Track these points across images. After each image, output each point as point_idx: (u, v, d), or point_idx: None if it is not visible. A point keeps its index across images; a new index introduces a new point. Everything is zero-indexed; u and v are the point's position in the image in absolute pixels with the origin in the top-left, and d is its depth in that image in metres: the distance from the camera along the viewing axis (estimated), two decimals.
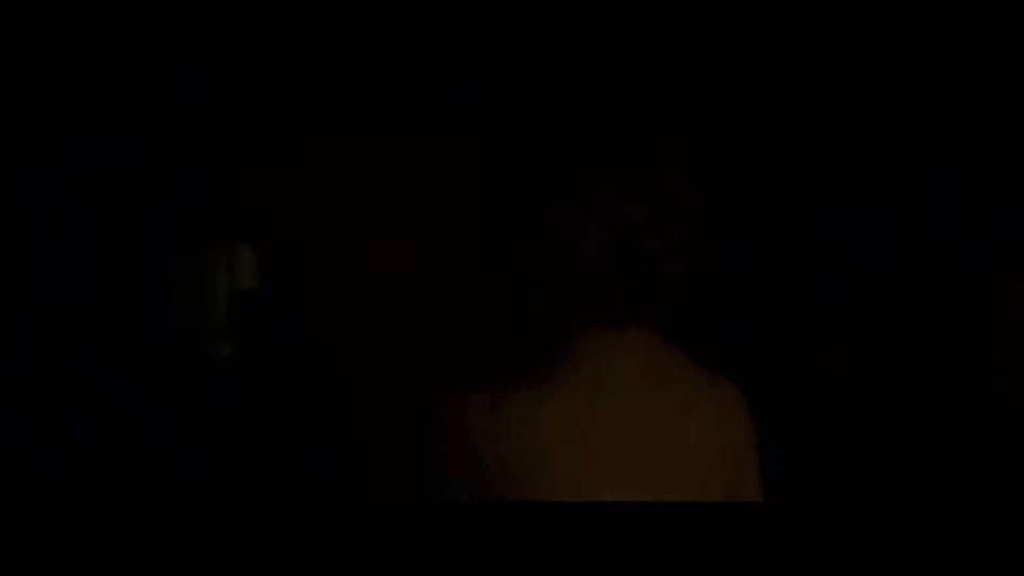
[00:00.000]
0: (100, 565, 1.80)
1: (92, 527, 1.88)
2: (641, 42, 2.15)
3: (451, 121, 2.65)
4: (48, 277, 2.56)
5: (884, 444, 2.36)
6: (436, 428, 1.08)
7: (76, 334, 2.57)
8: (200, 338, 2.66)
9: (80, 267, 2.58)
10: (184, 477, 2.55)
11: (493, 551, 0.96)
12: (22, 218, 2.56)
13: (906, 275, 2.38)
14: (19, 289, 2.54)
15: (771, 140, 2.52)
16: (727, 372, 2.52)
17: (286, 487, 2.56)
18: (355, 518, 1.79)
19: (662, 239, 1.07)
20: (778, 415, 2.43)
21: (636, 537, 1.00)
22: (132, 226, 2.61)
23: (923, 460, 2.30)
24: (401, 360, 2.70)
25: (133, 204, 2.61)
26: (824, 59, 2.15)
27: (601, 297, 1.09)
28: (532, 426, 1.05)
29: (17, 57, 2.17)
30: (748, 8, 2.05)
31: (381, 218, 2.70)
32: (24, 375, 2.53)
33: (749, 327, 2.55)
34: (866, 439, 2.38)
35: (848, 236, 2.46)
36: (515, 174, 1.10)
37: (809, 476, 2.39)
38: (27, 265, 2.55)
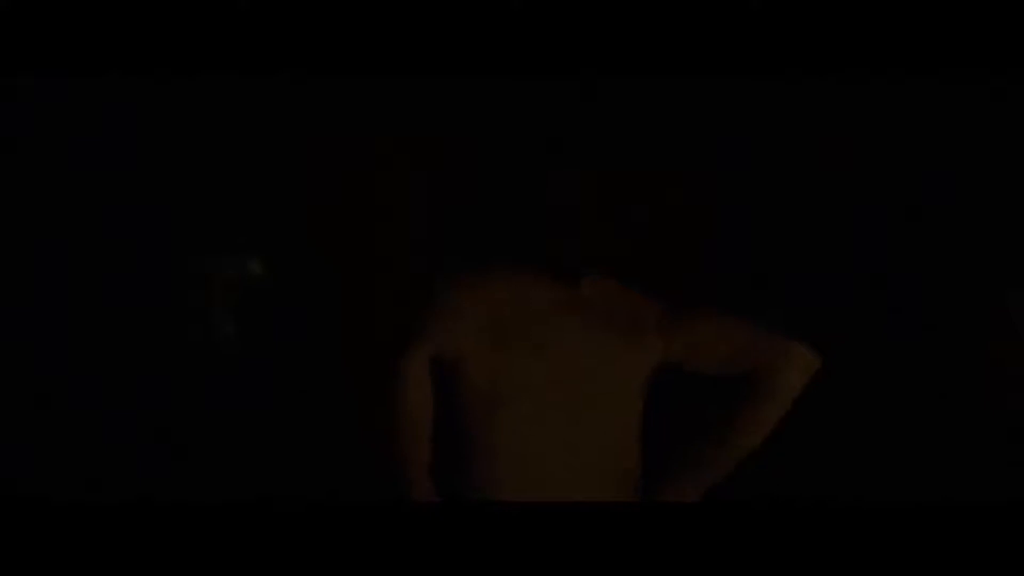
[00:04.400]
0: (99, 565, 1.80)
1: (91, 527, 1.89)
2: (641, 43, 2.15)
3: (451, 121, 2.65)
4: (48, 277, 2.57)
5: (883, 444, 2.36)
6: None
7: (75, 334, 2.57)
8: (200, 338, 2.66)
9: (80, 267, 2.58)
10: (184, 476, 2.55)
11: (493, 551, 0.96)
12: (22, 218, 2.56)
13: (905, 275, 2.38)
14: (19, 289, 2.55)
15: (771, 140, 2.52)
16: None
17: (286, 486, 2.56)
18: (355, 518, 1.79)
19: (662, 237, 1.07)
20: None
21: (634, 537, 1.00)
22: (132, 226, 2.61)
23: (923, 460, 2.30)
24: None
25: (133, 204, 2.62)
26: (824, 59, 2.15)
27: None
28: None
29: (17, 57, 2.17)
30: (748, 8, 2.05)
31: (382, 218, 2.70)
32: (23, 375, 2.53)
33: None
34: (865, 439, 2.38)
35: (846, 236, 2.46)
36: (515, 174, 1.10)
37: (808, 476, 2.40)
38: (27, 265, 2.55)
